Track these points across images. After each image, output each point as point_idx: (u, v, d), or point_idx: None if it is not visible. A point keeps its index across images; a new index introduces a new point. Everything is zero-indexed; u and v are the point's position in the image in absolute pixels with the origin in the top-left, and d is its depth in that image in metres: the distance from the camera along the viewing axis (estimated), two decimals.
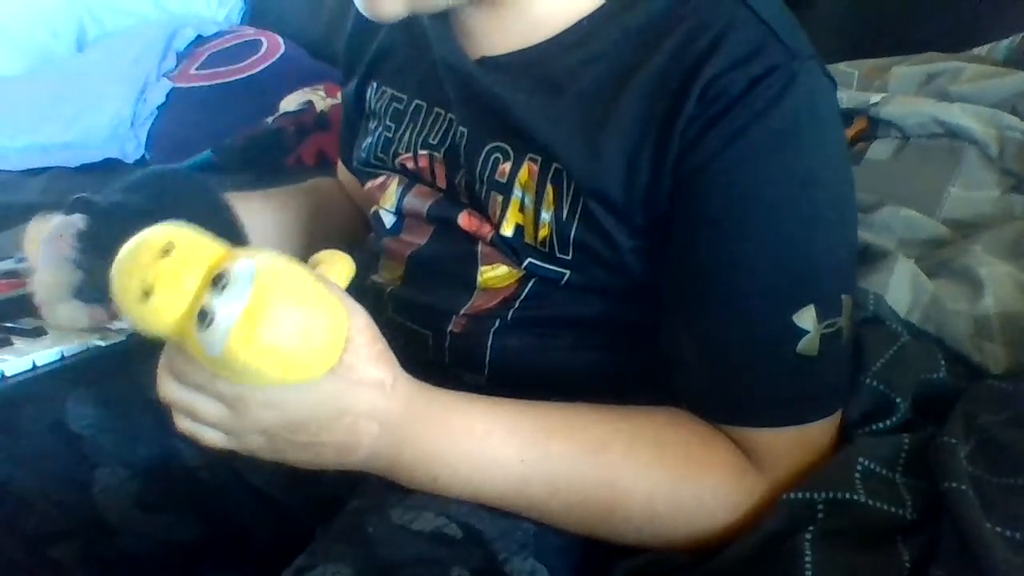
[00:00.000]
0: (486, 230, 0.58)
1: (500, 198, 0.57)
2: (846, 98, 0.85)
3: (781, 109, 0.48)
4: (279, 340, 0.38)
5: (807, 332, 0.48)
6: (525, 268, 0.57)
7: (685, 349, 0.52)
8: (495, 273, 0.58)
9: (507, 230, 0.56)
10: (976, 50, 0.87)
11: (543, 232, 0.55)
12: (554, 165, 0.54)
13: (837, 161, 0.53)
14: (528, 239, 0.56)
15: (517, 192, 0.56)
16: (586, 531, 0.51)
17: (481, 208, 0.58)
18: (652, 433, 0.51)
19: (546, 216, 0.55)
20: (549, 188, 0.54)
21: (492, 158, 0.57)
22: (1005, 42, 0.85)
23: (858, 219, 0.70)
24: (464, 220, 0.59)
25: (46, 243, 0.58)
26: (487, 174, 0.57)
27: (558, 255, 0.55)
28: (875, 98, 0.82)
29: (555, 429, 0.51)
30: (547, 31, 0.56)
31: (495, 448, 0.49)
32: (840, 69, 0.91)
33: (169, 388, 0.45)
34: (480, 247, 0.59)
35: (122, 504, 0.63)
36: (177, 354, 0.43)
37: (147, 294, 0.38)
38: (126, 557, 0.63)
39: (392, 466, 0.48)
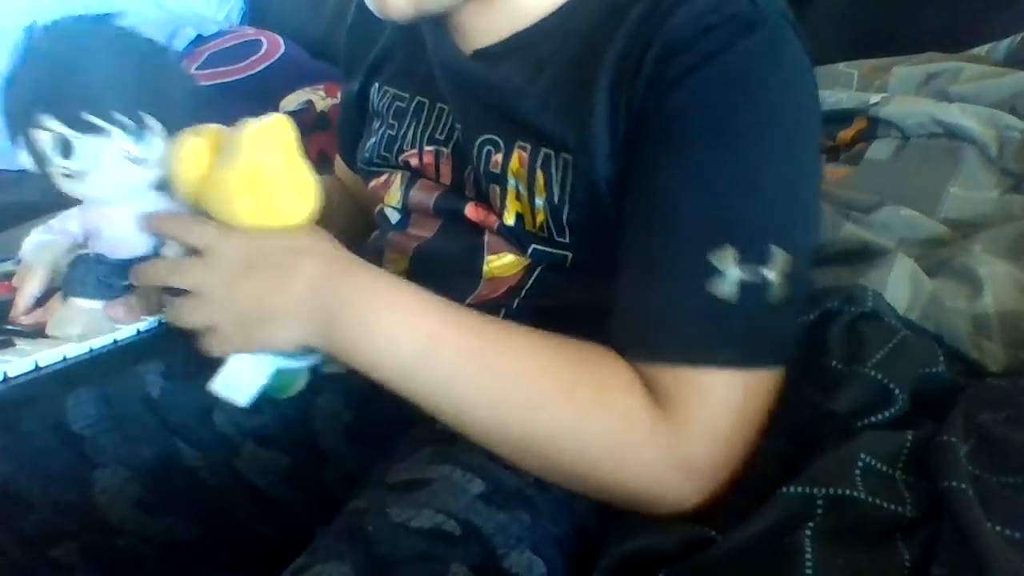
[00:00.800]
0: (492, 220, 0.59)
1: (498, 189, 0.58)
2: (846, 98, 0.85)
3: (734, 52, 0.49)
4: (270, 187, 0.52)
5: (721, 272, 0.47)
6: (530, 255, 0.58)
7: (619, 283, 0.52)
8: (501, 262, 0.59)
9: (509, 219, 0.58)
10: (976, 50, 0.87)
11: (540, 218, 0.57)
12: (542, 150, 0.56)
13: (793, 112, 0.51)
14: (529, 226, 0.57)
15: (511, 181, 0.57)
16: (482, 413, 0.50)
17: (485, 199, 0.60)
18: (556, 338, 0.51)
19: (540, 202, 0.56)
20: (539, 174, 0.56)
21: (485, 150, 0.59)
22: (1005, 42, 0.85)
23: (858, 218, 0.71)
24: (471, 211, 0.61)
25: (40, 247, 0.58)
26: (482, 166, 0.59)
27: (556, 238, 0.56)
28: (875, 98, 0.82)
29: (483, 320, 0.52)
30: (533, 16, 0.58)
31: (415, 303, 0.52)
32: (840, 69, 0.92)
33: (160, 265, 0.54)
34: (486, 237, 0.60)
35: (123, 504, 0.63)
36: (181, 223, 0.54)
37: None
38: (126, 557, 0.63)
39: (329, 304, 0.51)
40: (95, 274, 0.57)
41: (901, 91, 0.84)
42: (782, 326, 0.50)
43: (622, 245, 0.52)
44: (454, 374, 0.50)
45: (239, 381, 0.54)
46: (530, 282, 0.59)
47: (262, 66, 1.59)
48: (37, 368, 0.55)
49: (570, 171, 0.54)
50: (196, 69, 1.62)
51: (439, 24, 0.63)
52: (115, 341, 0.59)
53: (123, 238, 0.57)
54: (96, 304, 0.57)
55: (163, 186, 0.57)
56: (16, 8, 1.79)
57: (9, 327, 0.61)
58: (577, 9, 0.57)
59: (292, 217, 0.54)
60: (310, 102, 1.46)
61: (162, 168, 0.55)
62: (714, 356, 0.48)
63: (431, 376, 0.50)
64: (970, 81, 0.80)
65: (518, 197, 0.57)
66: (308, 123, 1.42)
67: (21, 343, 0.58)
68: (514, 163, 0.57)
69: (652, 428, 0.48)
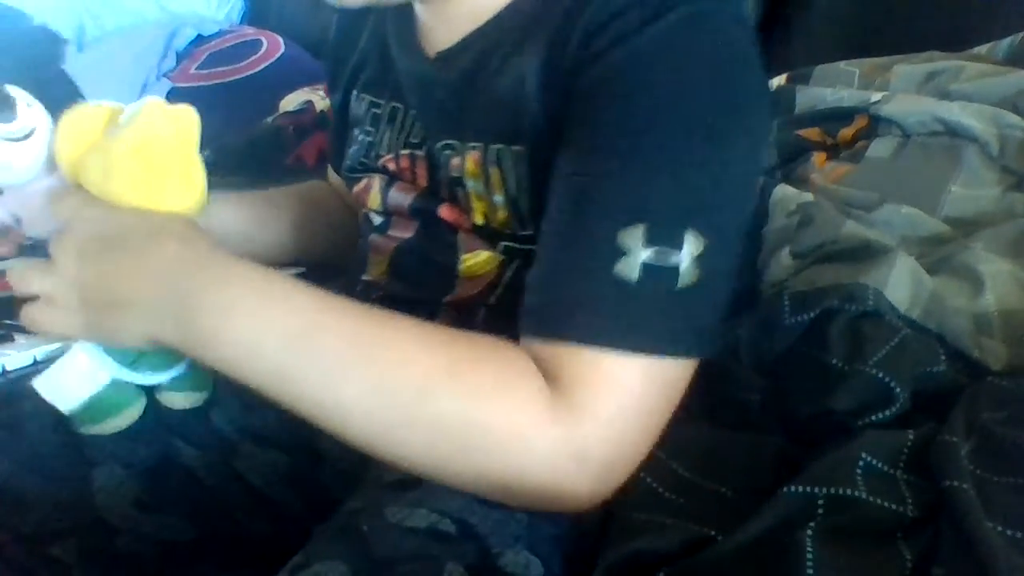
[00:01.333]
0: (464, 220, 0.60)
1: (460, 191, 0.59)
2: (847, 96, 0.85)
3: (652, 31, 0.48)
4: (153, 165, 0.50)
5: (628, 253, 0.46)
6: (501, 252, 0.58)
7: (534, 263, 0.50)
8: (476, 260, 0.60)
9: (478, 219, 0.59)
10: (977, 49, 0.87)
11: (501, 215, 0.57)
12: (491, 147, 0.56)
13: (718, 89, 0.49)
14: (494, 224, 0.58)
15: (469, 183, 0.58)
16: (365, 411, 0.47)
17: (456, 201, 0.60)
18: (447, 330, 0.49)
19: (498, 199, 0.57)
20: (493, 171, 0.56)
21: (444, 154, 0.60)
22: (1006, 41, 0.85)
23: (859, 216, 0.71)
24: (445, 212, 0.61)
25: None
26: (443, 171, 0.60)
27: (520, 232, 0.57)
28: (876, 96, 0.82)
29: (364, 308, 0.49)
30: (487, 14, 0.58)
31: (288, 291, 0.49)
32: (841, 68, 0.92)
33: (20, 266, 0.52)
34: (460, 236, 0.61)
35: (121, 503, 0.63)
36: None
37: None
38: (125, 556, 0.63)
39: (183, 292, 0.48)
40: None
41: (902, 90, 0.84)
42: (693, 314, 0.48)
43: (541, 224, 0.51)
44: (333, 367, 0.47)
45: (68, 382, 0.51)
46: (506, 278, 0.59)
47: (262, 66, 1.59)
48: (36, 362, 0.55)
49: (523, 162, 0.55)
50: (196, 69, 1.62)
51: (407, 29, 0.64)
52: None
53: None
54: None
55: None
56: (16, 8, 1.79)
57: (8, 322, 0.61)
58: (519, 6, 0.57)
59: (171, 204, 0.51)
60: (310, 102, 1.46)
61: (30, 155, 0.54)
62: (615, 339, 0.46)
63: (306, 370, 0.47)
64: (971, 80, 0.80)
65: (479, 197, 0.58)
66: (308, 123, 1.42)
67: (20, 338, 0.58)
68: (468, 165, 0.58)
69: (548, 413, 0.46)
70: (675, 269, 0.46)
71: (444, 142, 0.60)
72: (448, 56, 0.60)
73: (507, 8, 0.58)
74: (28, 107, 0.54)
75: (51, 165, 0.55)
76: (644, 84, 0.48)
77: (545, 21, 0.53)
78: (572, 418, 0.46)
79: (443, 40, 0.61)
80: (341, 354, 0.47)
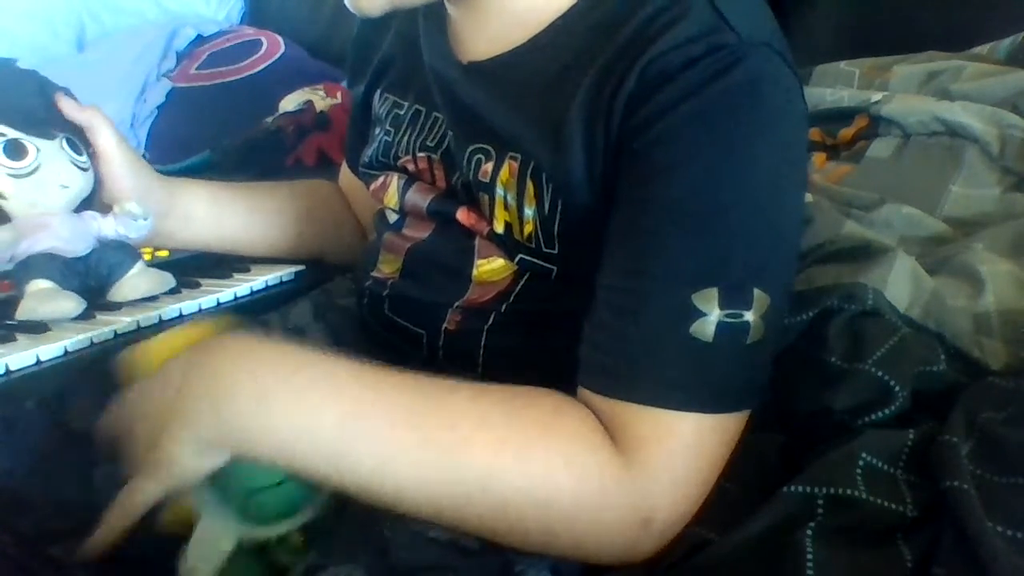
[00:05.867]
0: (482, 225, 0.59)
1: (486, 197, 0.58)
2: (847, 96, 0.85)
3: (716, 87, 0.47)
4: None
5: (704, 315, 0.46)
6: (517, 263, 0.58)
7: (594, 318, 0.50)
8: (491, 266, 0.59)
9: (498, 227, 0.58)
10: (977, 49, 0.87)
11: (528, 228, 0.56)
12: (532, 162, 0.55)
13: (778, 150, 0.50)
14: (517, 236, 0.57)
15: (499, 191, 0.57)
16: (427, 492, 0.45)
17: (476, 206, 0.60)
18: (502, 395, 0.48)
19: (529, 212, 0.56)
20: (529, 184, 0.55)
21: (475, 159, 0.59)
22: (1006, 41, 0.85)
23: (859, 216, 0.71)
24: (463, 216, 0.61)
25: None
26: (471, 175, 0.59)
27: (544, 250, 0.56)
28: (876, 96, 0.82)
29: (416, 380, 0.48)
30: (525, 32, 0.57)
31: (334, 371, 0.47)
32: (841, 68, 0.92)
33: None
34: (477, 241, 0.60)
35: None
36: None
37: None
38: (126, 556, 0.63)
39: (211, 393, 0.46)
40: (54, 263, 0.63)
41: (902, 89, 0.84)
42: (756, 368, 0.49)
43: (600, 281, 0.50)
44: (389, 449, 0.45)
45: (203, 551, 0.48)
46: (518, 288, 0.58)
47: (262, 66, 1.59)
48: (38, 361, 0.56)
49: (556, 187, 0.54)
50: (196, 69, 1.62)
51: (437, 30, 0.63)
52: (115, 334, 0.60)
53: (64, 243, 0.63)
54: (55, 285, 0.63)
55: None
56: (16, 8, 1.79)
57: (10, 322, 0.62)
58: (566, 30, 0.55)
59: None
60: (310, 102, 1.46)
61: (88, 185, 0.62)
62: (689, 398, 0.47)
63: (361, 455, 0.45)
64: (972, 80, 0.80)
65: (506, 207, 0.57)
66: (308, 123, 1.42)
67: (22, 337, 0.59)
68: (504, 173, 0.57)
69: (616, 483, 0.46)
70: (746, 328, 0.47)
71: (476, 146, 0.59)
72: (484, 69, 0.59)
73: (550, 28, 0.56)
74: (36, 147, 0.61)
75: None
76: (709, 143, 0.48)
77: (597, 51, 0.52)
78: (640, 483, 0.46)
79: (478, 48, 0.59)
80: (398, 435, 0.46)
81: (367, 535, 0.46)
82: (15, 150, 0.61)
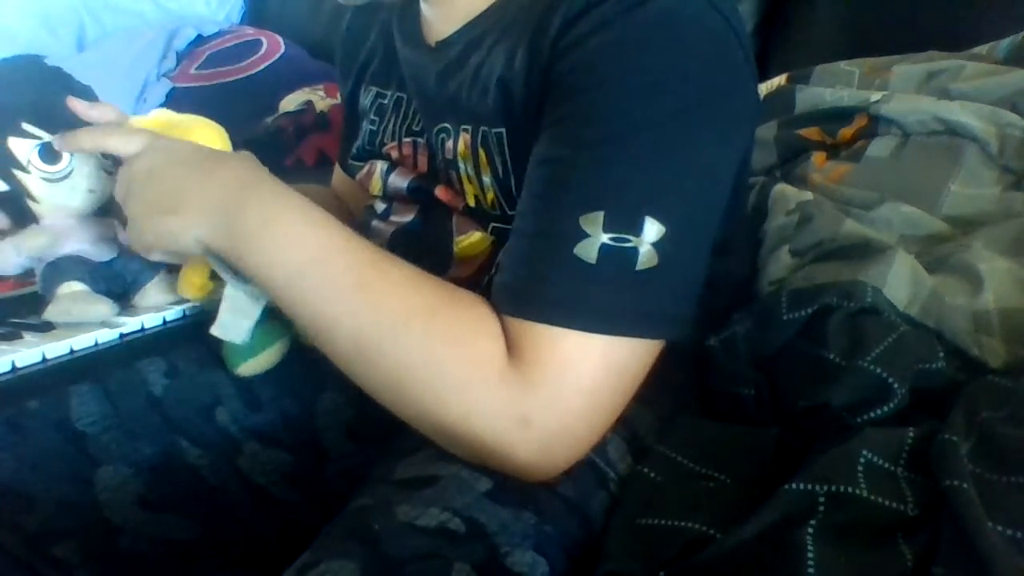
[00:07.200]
0: (458, 201, 0.62)
1: (454, 174, 0.61)
2: (847, 96, 0.85)
3: (628, 19, 0.49)
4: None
5: (588, 236, 0.48)
6: (492, 233, 0.60)
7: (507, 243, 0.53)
8: (469, 240, 0.62)
9: (470, 201, 0.61)
10: (977, 49, 0.87)
11: (490, 195, 0.59)
12: (481, 129, 0.58)
13: (692, 88, 0.50)
14: (485, 205, 0.60)
15: (461, 164, 0.60)
16: (352, 328, 0.51)
17: (451, 183, 0.63)
18: (443, 283, 0.52)
19: (487, 180, 0.59)
20: (481, 153, 0.58)
21: (440, 138, 0.62)
22: (1006, 41, 0.85)
23: (858, 215, 0.71)
24: (441, 192, 0.64)
25: None
26: (440, 155, 0.62)
27: (509, 213, 0.58)
28: (876, 96, 0.82)
29: (374, 247, 0.53)
30: (483, 5, 0.60)
31: (320, 219, 0.53)
32: (841, 68, 0.92)
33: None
34: (455, 218, 0.63)
35: (125, 502, 0.63)
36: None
37: None
38: (128, 555, 0.63)
39: (237, 206, 0.53)
40: (84, 266, 0.63)
41: (902, 89, 0.84)
42: (650, 297, 0.49)
43: (517, 208, 0.53)
44: (333, 286, 0.51)
45: (235, 315, 0.56)
46: (498, 260, 0.59)
47: (262, 66, 1.60)
48: (44, 359, 0.56)
49: (506, 145, 0.57)
50: (196, 69, 1.62)
51: (411, 22, 0.66)
52: (121, 335, 0.60)
53: (91, 246, 0.65)
54: (88, 288, 0.63)
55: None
56: (16, 8, 1.79)
57: (16, 320, 0.62)
58: None
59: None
60: (310, 102, 1.47)
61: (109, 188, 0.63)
62: (572, 318, 0.48)
63: (313, 286, 0.51)
64: (971, 79, 0.80)
65: (470, 180, 0.60)
66: (308, 123, 1.42)
67: (28, 335, 0.59)
68: (461, 147, 0.60)
69: (501, 375, 0.48)
70: (632, 254, 0.48)
71: (440, 126, 0.62)
72: (444, 45, 0.62)
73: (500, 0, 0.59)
74: (69, 152, 0.63)
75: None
76: (616, 73, 0.49)
77: (532, 9, 0.55)
78: (521, 385, 0.48)
79: (442, 31, 0.63)
80: (345, 277, 0.51)
81: (358, 530, 0.46)
82: (50, 154, 0.62)
